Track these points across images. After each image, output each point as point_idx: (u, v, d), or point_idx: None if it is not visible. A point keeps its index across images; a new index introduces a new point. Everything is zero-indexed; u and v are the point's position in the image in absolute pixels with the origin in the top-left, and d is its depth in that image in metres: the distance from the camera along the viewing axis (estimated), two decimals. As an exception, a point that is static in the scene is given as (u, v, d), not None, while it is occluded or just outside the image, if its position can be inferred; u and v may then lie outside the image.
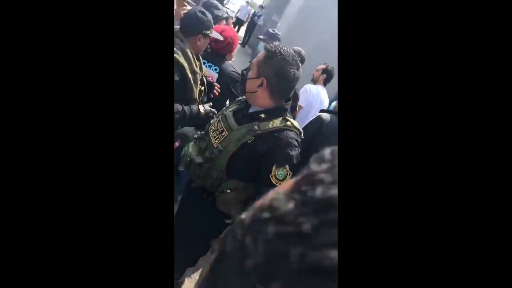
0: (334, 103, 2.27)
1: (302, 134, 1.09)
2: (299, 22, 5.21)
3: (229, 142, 1.05)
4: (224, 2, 9.62)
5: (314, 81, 2.55)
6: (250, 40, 9.13)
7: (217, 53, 1.75)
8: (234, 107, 1.16)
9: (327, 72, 2.53)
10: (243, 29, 10.25)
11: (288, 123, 1.03)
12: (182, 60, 1.34)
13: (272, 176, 1.00)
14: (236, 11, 10.31)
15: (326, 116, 1.76)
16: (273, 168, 1.00)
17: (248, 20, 9.89)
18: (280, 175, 1.00)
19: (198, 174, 1.11)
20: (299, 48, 2.34)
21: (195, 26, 1.40)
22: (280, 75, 1.00)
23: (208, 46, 1.66)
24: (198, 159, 1.10)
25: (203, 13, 1.43)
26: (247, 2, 11.07)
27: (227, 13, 2.14)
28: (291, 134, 1.02)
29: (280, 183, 0.98)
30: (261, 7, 10.11)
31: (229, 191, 1.06)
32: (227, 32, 1.73)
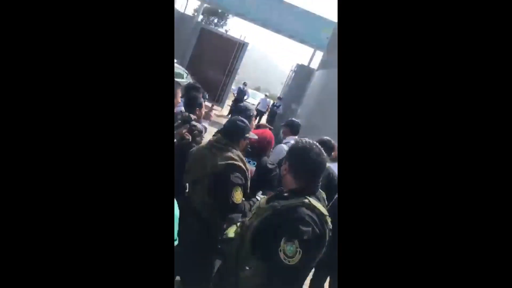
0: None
1: (327, 217, 1.06)
2: (318, 108, 5.50)
3: (256, 218, 1.12)
4: (245, 97, 10.55)
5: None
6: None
7: (257, 152, 1.94)
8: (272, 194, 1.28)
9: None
10: (264, 118, 10.96)
11: (306, 201, 1.06)
12: (240, 163, 1.59)
13: (280, 250, 0.98)
14: (256, 104, 11.21)
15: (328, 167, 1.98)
16: (282, 242, 0.99)
17: (268, 110, 10.65)
18: (289, 251, 0.97)
19: (230, 250, 1.18)
20: (328, 138, 2.49)
21: (238, 133, 1.65)
22: (301, 160, 1.15)
23: (249, 146, 1.88)
24: (231, 234, 1.20)
25: (242, 121, 1.67)
26: (266, 95, 12.09)
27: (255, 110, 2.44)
28: (307, 211, 1.04)
29: (289, 261, 0.97)
30: (279, 98, 10.98)
31: (247, 268, 1.07)
32: (265, 134, 1.95)
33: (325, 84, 5.58)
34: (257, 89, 25.87)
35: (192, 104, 2.31)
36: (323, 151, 1.17)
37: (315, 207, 1.05)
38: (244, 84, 10.91)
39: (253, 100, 12.05)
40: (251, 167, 1.93)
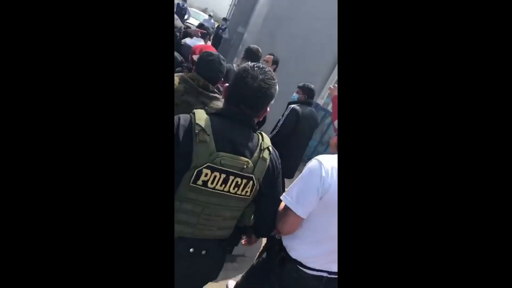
0: (295, 94, 2.64)
1: (199, 128, 1.02)
2: (266, 31, 4.95)
3: None
4: (185, 17, 9.28)
5: None
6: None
7: None
8: None
9: (276, 62, 2.84)
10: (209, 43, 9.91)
11: (193, 111, 1.07)
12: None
13: None
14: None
15: (297, 107, 2.40)
16: None
17: (213, 34, 9.54)
18: None
19: None
20: (256, 47, 2.58)
21: (220, 76, 1.63)
22: (233, 81, 1.11)
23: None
24: None
25: (224, 60, 1.64)
26: (210, 15, 10.76)
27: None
28: (181, 116, 1.06)
29: None
30: (224, 19, 9.81)
31: None
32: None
33: (272, 4, 4.94)
34: (204, 10, 23.46)
35: None
36: (266, 79, 1.06)
37: (195, 119, 1.02)
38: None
39: (195, 20, 10.70)
40: None
